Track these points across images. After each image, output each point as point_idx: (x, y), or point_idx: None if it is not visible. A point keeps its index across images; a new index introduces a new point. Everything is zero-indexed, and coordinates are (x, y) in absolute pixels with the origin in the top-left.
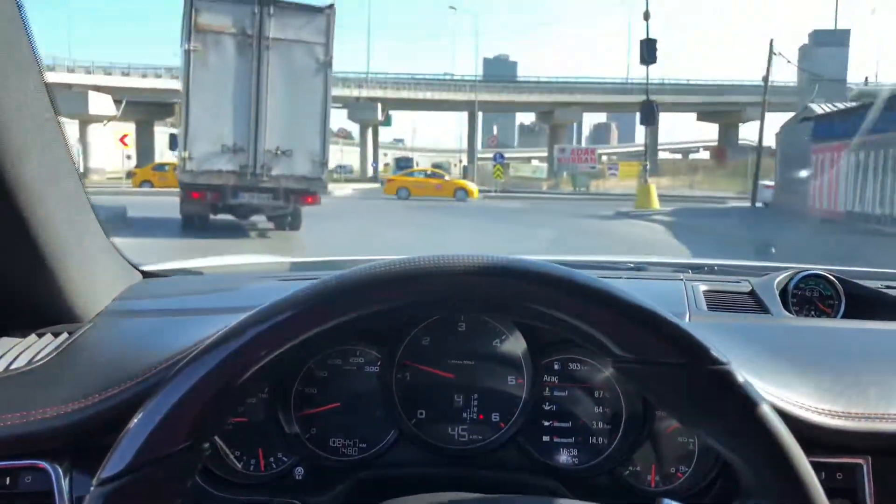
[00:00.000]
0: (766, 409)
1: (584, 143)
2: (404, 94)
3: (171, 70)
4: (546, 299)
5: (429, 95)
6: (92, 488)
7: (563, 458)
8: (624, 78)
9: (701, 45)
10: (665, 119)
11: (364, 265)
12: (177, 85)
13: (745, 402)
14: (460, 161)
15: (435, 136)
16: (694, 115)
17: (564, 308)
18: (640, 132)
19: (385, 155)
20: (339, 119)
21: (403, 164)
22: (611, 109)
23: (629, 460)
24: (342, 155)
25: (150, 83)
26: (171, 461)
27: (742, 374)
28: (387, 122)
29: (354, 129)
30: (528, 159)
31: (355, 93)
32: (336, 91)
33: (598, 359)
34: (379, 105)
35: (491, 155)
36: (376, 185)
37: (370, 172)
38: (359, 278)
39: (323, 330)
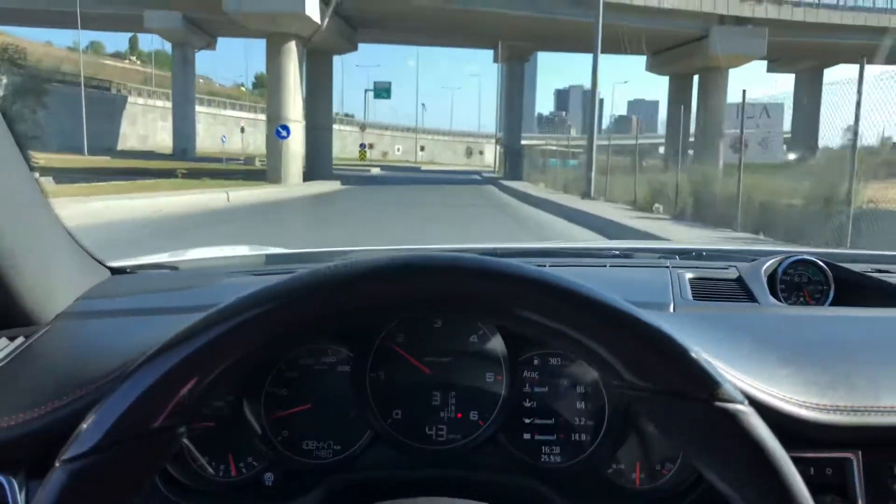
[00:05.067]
0: (781, 460)
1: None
2: None
3: None
4: (552, 311)
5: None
6: (55, 466)
7: (545, 456)
8: None
9: None
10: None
11: (352, 259)
12: None
13: (758, 449)
14: (497, 145)
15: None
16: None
17: (572, 323)
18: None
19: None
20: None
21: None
22: None
23: (613, 458)
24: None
25: None
26: (142, 442)
27: (758, 418)
28: (383, 92)
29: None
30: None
31: None
32: None
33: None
34: None
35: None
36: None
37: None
38: (347, 272)
39: (305, 324)
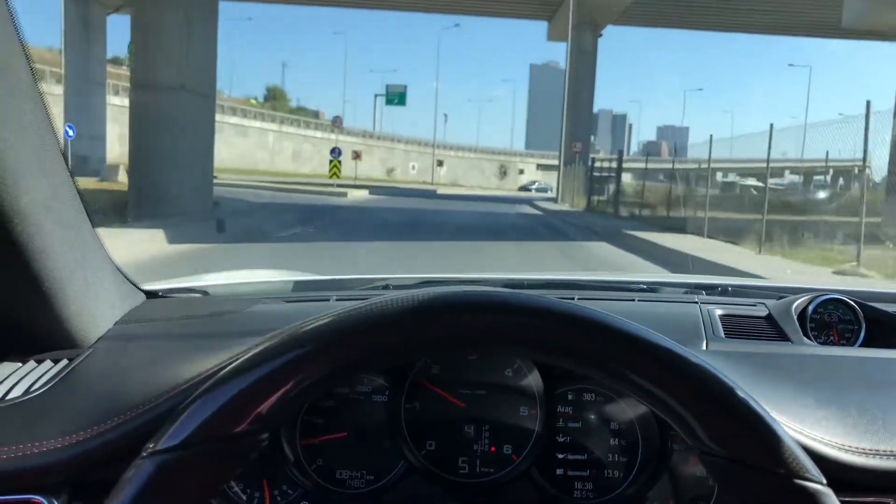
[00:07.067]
0: None
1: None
2: None
3: None
4: (641, 369)
5: None
6: (141, 458)
7: (578, 492)
8: None
9: None
10: None
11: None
12: None
13: None
14: (576, 159)
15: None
16: None
17: (662, 384)
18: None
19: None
20: None
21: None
22: None
23: (646, 496)
24: None
25: None
26: (227, 444)
27: (835, 498)
28: (396, 98)
29: None
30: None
31: None
32: None
33: (614, 389)
34: None
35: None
36: None
37: None
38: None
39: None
